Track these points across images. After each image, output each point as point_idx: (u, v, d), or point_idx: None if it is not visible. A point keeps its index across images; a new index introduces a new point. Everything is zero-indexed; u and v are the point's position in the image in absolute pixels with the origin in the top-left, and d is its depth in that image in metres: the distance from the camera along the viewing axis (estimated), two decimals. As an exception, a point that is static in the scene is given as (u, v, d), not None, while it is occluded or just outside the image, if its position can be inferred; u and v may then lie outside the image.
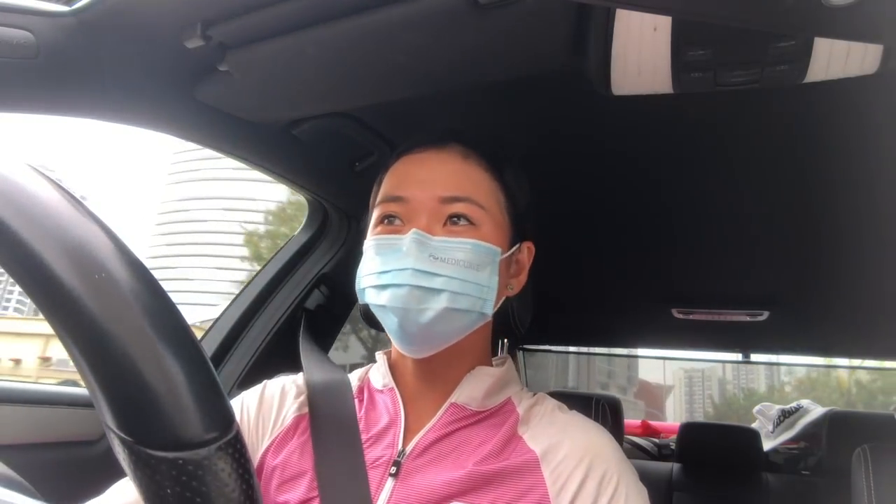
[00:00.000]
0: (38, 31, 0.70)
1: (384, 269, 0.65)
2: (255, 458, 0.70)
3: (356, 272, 0.71)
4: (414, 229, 0.65)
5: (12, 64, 0.69)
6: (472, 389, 0.69)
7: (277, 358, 1.23)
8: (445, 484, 0.62)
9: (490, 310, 0.67)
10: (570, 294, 1.87)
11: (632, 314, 2.10)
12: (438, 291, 0.63)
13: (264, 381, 0.77)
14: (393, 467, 0.65)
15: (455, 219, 0.66)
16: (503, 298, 0.71)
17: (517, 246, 0.72)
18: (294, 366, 0.86)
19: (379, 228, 0.69)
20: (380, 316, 0.68)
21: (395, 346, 0.70)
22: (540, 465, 0.63)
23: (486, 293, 0.66)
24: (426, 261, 0.63)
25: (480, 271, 0.65)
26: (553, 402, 0.72)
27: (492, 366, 0.73)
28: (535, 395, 0.73)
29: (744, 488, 2.05)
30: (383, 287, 0.65)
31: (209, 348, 1.22)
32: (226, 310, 1.28)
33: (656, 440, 2.80)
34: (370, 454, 0.67)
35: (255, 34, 0.74)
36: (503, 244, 0.69)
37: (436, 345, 0.67)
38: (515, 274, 0.73)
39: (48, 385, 1.12)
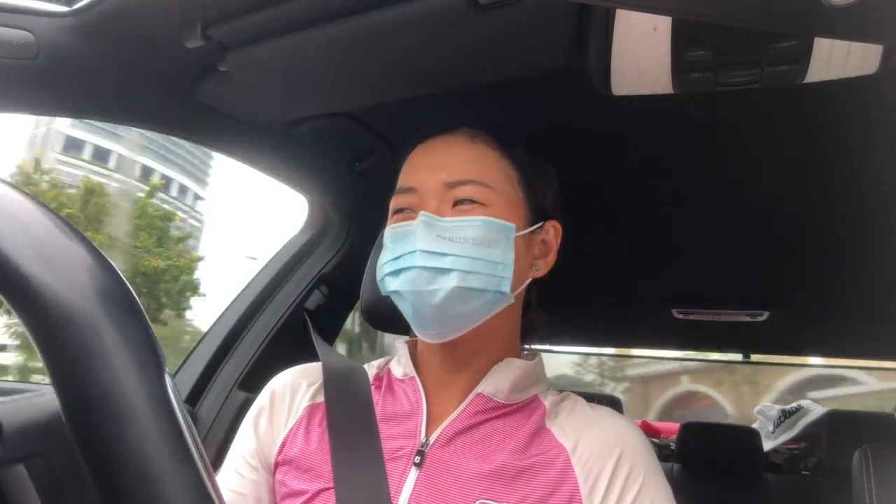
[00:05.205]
0: (38, 32, 0.70)
1: (396, 256, 0.66)
2: (273, 454, 0.69)
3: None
4: (422, 212, 0.65)
5: (12, 64, 0.69)
6: (500, 380, 0.68)
7: (278, 358, 1.23)
8: (473, 478, 0.61)
9: (507, 288, 0.65)
10: (570, 294, 1.86)
11: (632, 314, 2.09)
12: (447, 271, 0.63)
13: (271, 380, 0.76)
14: (417, 457, 0.64)
15: (463, 202, 0.66)
16: (528, 280, 0.70)
17: (539, 225, 0.71)
18: (295, 366, 0.86)
19: (394, 218, 0.70)
20: (398, 303, 0.68)
21: (416, 333, 0.69)
22: (570, 459, 0.62)
23: (500, 271, 0.65)
24: (433, 241, 0.64)
25: (493, 248, 0.65)
26: (580, 398, 0.71)
27: (521, 358, 0.72)
28: (560, 392, 0.73)
29: (744, 488, 2.05)
30: (396, 273, 0.66)
31: (210, 348, 1.22)
32: (226, 310, 1.28)
33: (656, 440, 2.80)
34: (390, 445, 0.65)
35: (255, 34, 0.74)
36: (519, 221, 0.68)
37: (455, 327, 0.66)
38: (541, 255, 0.72)
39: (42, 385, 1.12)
